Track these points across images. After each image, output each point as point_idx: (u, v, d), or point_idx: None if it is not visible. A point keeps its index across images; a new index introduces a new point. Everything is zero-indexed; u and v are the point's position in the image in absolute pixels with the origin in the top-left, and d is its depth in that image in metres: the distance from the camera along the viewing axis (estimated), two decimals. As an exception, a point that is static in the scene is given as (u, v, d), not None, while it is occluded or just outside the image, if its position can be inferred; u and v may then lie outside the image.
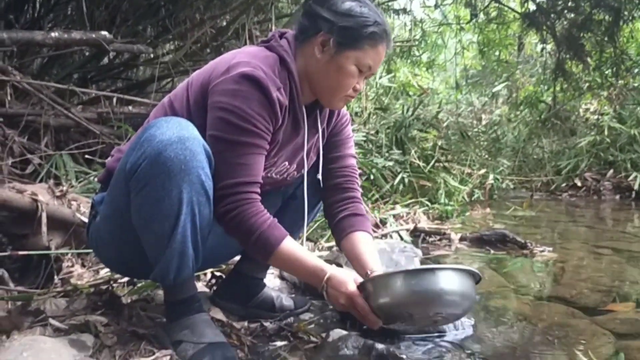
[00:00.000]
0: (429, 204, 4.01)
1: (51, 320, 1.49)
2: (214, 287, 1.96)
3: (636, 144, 5.32)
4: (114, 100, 3.81)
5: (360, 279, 1.54)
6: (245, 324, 1.78)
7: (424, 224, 3.66)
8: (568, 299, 2.15)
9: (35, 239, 2.31)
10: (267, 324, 1.81)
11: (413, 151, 4.18)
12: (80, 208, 2.55)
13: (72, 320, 1.53)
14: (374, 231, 3.00)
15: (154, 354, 1.36)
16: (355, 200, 1.75)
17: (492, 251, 2.96)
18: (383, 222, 3.24)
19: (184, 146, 1.30)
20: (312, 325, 1.81)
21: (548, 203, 5.09)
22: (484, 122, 9.23)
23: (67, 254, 2.44)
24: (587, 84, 9.48)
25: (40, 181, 3.00)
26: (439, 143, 4.52)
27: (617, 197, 5.28)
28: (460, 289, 1.48)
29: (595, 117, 9.06)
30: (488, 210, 4.42)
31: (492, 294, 2.19)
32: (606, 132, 5.31)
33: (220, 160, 1.40)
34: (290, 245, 1.47)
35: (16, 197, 2.19)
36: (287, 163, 1.64)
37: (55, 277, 2.28)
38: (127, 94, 5.08)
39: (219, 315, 1.74)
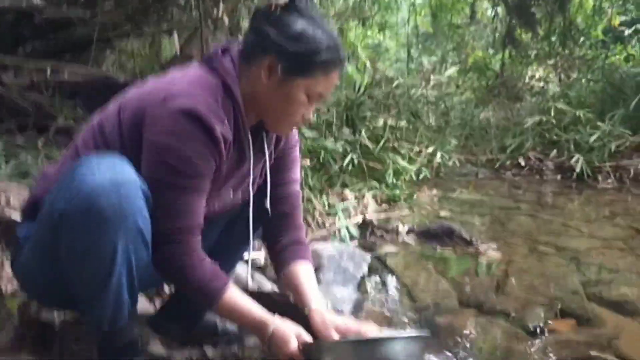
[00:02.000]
0: (377, 185, 3.99)
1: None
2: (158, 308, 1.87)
3: (580, 124, 5.42)
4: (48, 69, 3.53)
5: (304, 334, 1.42)
6: (187, 352, 1.71)
7: (372, 209, 3.65)
8: (511, 316, 2.17)
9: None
10: (209, 350, 1.74)
11: (363, 131, 4.12)
12: (10, 201, 2.38)
13: (-3, 363, 1.42)
14: (323, 227, 2.97)
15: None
16: (298, 228, 1.65)
17: (439, 248, 2.97)
18: (330, 213, 3.19)
19: (118, 193, 1.17)
20: (257, 351, 1.76)
21: (492, 183, 5.16)
22: (432, 83, 9.27)
23: (-6, 252, 2.30)
24: (535, 52, 9.62)
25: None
26: (390, 122, 4.46)
27: (559, 177, 5.40)
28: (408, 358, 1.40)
29: (541, 84, 9.26)
30: (435, 191, 4.44)
31: (438, 308, 2.19)
32: (552, 114, 5.38)
33: (157, 203, 1.28)
34: (232, 297, 1.37)
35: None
36: (231, 192, 1.53)
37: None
38: (61, 56, 4.80)
39: (158, 347, 1.66)
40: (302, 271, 1.55)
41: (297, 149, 1.68)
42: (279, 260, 1.60)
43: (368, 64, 4.56)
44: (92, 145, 1.38)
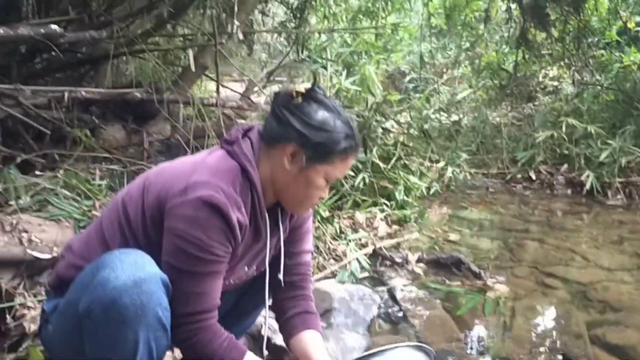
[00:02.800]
0: (387, 204, 4.05)
1: None
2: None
3: (591, 139, 5.44)
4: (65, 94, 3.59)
5: None
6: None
7: (383, 231, 3.72)
8: (514, 362, 2.25)
9: (-15, 278, 2.26)
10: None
11: (375, 150, 4.17)
12: (31, 239, 2.47)
13: None
14: (336, 260, 3.05)
15: None
16: (307, 298, 1.72)
17: (447, 281, 3.04)
18: (341, 238, 3.28)
19: (140, 290, 1.25)
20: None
21: (502, 198, 5.20)
22: (445, 78, 9.31)
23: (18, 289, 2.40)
24: (549, 53, 9.58)
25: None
26: (401, 139, 4.51)
27: (569, 191, 5.43)
28: None
29: (554, 83, 9.23)
30: (445, 209, 4.49)
31: (445, 354, 2.26)
32: (563, 128, 5.40)
33: (177, 288, 1.36)
34: None
35: (-35, 251, 2.12)
36: (246, 268, 1.60)
37: (8, 316, 2.23)
38: (77, 69, 4.88)
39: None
40: (311, 340, 1.62)
41: (310, 220, 1.76)
42: (289, 328, 1.67)
43: (379, 85, 4.57)
44: (117, 226, 1.46)
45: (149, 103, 4.16)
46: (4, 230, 2.38)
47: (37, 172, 3.24)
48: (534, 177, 5.54)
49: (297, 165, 1.45)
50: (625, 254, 3.69)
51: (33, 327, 2.18)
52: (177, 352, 1.97)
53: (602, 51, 9.05)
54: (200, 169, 1.41)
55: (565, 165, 5.53)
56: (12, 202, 2.87)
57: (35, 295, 2.40)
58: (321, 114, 1.44)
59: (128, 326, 1.26)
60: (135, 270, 1.26)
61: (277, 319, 1.73)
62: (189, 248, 1.35)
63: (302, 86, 1.48)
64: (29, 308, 2.29)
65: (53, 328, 1.46)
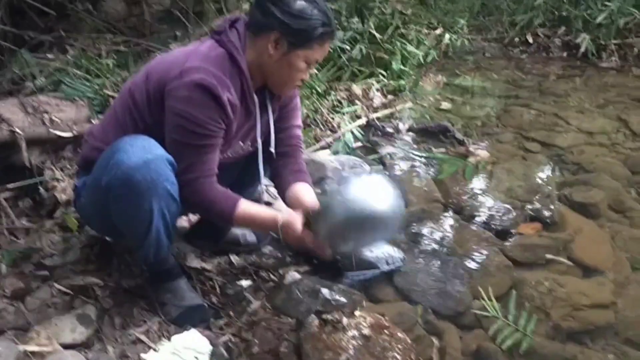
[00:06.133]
0: (384, 74, 4.20)
1: (56, 285, 1.82)
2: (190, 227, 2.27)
3: (591, 0, 5.41)
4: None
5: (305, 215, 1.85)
6: (216, 261, 2.15)
7: (378, 102, 3.92)
8: (485, 221, 2.56)
9: (16, 156, 2.54)
10: (234, 258, 2.18)
11: (371, 21, 4.24)
12: (52, 119, 2.71)
13: (72, 280, 1.86)
14: (332, 132, 3.29)
15: (145, 322, 1.73)
16: (299, 164, 2.02)
17: (433, 149, 3.30)
18: (337, 112, 3.50)
19: (148, 168, 1.53)
20: (272, 260, 2.20)
21: (498, 64, 5.30)
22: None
23: (46, 164, 2.68)
24: None
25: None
26: (399, 7, 4.54)
27: (565, 54, 5.51)
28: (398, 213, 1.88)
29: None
30: (439, 77, 4.64)
31: (424, 214, 2.57)
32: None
33: (181, 158, 1.63)
34: (243, 207, 1.74)
35: (-4, 134, 2.38)
36: (241, 142, 1.86)
37: (41, 188, 2.54)
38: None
39: (193, 259, 2.09)
40: (301, 188, 1.94)
41: (297, 98, 2.02)
42: (283, 184, 1.99)
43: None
44: (127, 111, 1.72)
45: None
46: (27, 112, 2.61)
47: (49, 55, 3.39)
48: (531, 41, 5.61)
49: (280, 51, 1.66)
50: (608, 118, 3.88)
51: (64, 197, 2.50)
52: (192, 217, 2.30)
53: None
54: (193, 56, 1.64)
55: (563, 28, 5.56)
56: (29, 84, 3.09)
57: (62, 170, 2.70)
58: (299, 3, 1.63)
59: (142, 197, 1.55)
60: (144, 152, 1.53)
61: (275, 184, 2.05)
62: (186, 124, 1.60)
63: None
64: (58, 180, 2.59)
65: (84, 200, 1.76)
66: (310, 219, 1.85)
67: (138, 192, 1.54)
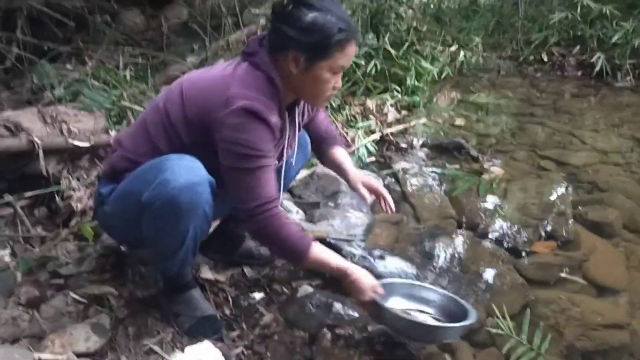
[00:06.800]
0: (398, 89, 4.21)
1: (71, 294, 1.84)
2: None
3: (606, 19, 5.41)
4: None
5: (378, 288, 1.75)
6: (229, 273, 2.16)
7: (392, 117, 3.93)
8: (499, 238, 2.55)
9: (33, 165, 2.57)
10: (247, 270, 2.19)
11: (387, 37, 4.26)
12: (70, 129, 2.74)
13: (87, 289, 1.88)
14: (346, 146, 3.30)
15: (159, 333, 1.74)
16: (330, 133, 2.10)
17: (447, 165, 3.30)
18: (351, 126, 3.52)
19: (193, 191, 1.55)
20: (284, 273, 2.20)
21: (513, 81, 5.30)
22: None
23: (62, 174, 2.71)
24: None
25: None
26: (414, 24, 4.57)
27: (579, 73, 5.51)
28: (454, 338, 1.78)
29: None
30: (454, 94, 4.65)
31: (437, 230, 2.56)
32: (579, 9, 5.36)
33: (240, 186, 1.62)
34: (317, 250, 1.69)
35: (15, 143, 2.41)
36: (276, 161, 1.86)
37: (57, 197, 2.56)
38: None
39: (207, 272, 2.10)
40: (339, 153, 2.06)
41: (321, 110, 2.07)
42: (321, 152, 2.10)
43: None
44: (161, 129, 1.69)
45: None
46: (45, 122, 2.65)
47: (67, 66, 3.44)
48: (545, 59, 5.61)
49: (301, 68, 1.64)
50: (622, 137, 3.87)
51: (80, 206, 2.52)
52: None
53: None
54: (234, 82, 1.61)
55: (578, 47, 5.56)
56: (48, 94, 3.14)
57: (78, 179, 2.72)
58: (310, 16, 1.59)
59: (182, 218, 1.58)
60: (191, 175, 1.55)
61: (316, 155, 2.19)
62: (240, 149, 1.59)
63: None
64: (74, 190, 2.61)
65: (110, 209, 1.73)
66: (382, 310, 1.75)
67: (179, 212, 1.56)
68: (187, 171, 1.55)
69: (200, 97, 1.65)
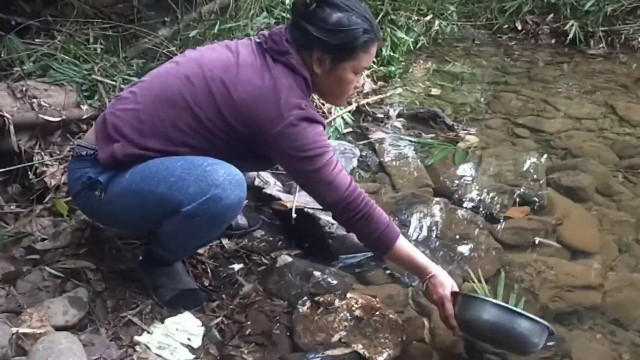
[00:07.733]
0: (374, 60, 4.20)
1: (47, 268, 1.82)
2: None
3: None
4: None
5: (456, 287, 1.70)
6: (208, 245, 2.15)
7: (368, 88, 3.93)
8: (475, 205, 2.59)
9: (5, 141, 2.52)
10: (225, 241, 2.19)
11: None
12: (40, 104, 2.70)
13: (63, 264, 1.86)
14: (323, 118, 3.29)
15: (138, 305, 1.74)
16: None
17: (422, 134, 3.31)
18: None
19: (240, 205, 1.61)
20: (263, 244, 2.21)
21: (487, 50, 5.31)
22: None
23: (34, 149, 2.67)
24: None
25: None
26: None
27: (553, 41, 5.54)
28: (536, 340, 1.60)
29: None
30: (429, 64, 4.65)
31: (414, 198, 2.58)
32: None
33: (321, 185, 1.62)
34: (403, 243, 1.69)
35: (-16, 117, 2.36)
36: None
37: (30, 173, 2.51)
38: None
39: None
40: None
41: None
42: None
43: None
44: (189, 131, 1.59)
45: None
46: (15, 97, 2.60)
47: (37, 40, 3.36)
48: (519, 28, 5.62)
49: (325, 68, 1.64)
50: (595, 104, 3.91)
51: (53, 182, 2.49)
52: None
53: None
54: (282, 92, 1.57)
55: (551, 15, 5.58)
56: (17, 69, 3.06)
57: (51, 155, 2.68)
58: (335, 16, 1.58)
59: (222, 228, 1.68)
60: (240, 191, 1.56)
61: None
62: (307, 153, 1.59)
63: None
64: (47, 165, 2.58)
65: (113, 199, 1.61)
66: (460, 298, 1.67)
67: (224, 224, 1.66)
68: (237, 187, 1.55)
69: (245, 108, 1.57)
